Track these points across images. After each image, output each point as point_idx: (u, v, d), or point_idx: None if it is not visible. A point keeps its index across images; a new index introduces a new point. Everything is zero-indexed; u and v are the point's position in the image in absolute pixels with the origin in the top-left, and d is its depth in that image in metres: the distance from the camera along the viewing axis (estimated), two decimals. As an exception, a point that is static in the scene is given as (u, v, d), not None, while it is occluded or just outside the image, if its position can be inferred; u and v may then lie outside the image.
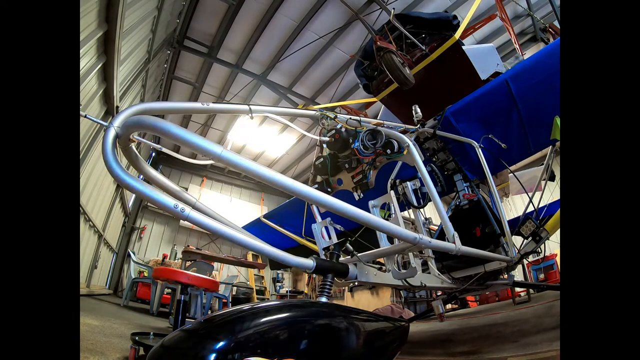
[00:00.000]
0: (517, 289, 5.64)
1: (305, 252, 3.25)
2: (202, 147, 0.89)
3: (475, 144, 2.32)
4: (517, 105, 2.43)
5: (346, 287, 6.91)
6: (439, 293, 3.20)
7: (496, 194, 2.32)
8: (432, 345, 2.99)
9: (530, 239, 2.25)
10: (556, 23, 6.17)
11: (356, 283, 1.56)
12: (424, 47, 3.71)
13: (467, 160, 2.70)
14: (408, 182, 1.75)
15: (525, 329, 2.52)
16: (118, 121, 0.84)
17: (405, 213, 2.14)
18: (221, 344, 0.84)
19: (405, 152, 1.61)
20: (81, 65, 3.15)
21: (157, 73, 6.68)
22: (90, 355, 1.73)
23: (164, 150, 1.21)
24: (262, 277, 9.76)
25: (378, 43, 3.52)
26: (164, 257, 8.09)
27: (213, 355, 0.81)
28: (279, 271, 9.71)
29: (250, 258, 8.68)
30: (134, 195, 8.12)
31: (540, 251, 2.31)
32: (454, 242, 1.60)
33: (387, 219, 1.49)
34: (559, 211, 2.28)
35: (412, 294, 6.57)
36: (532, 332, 2.37)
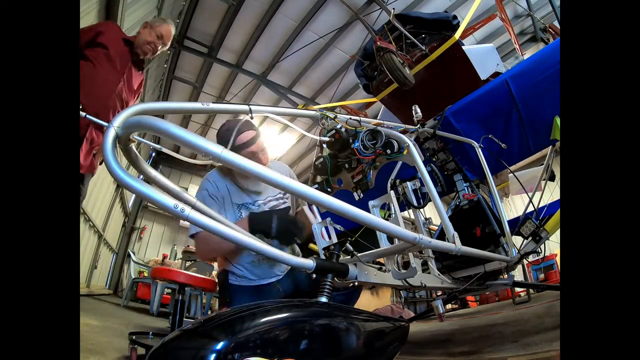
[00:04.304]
0: (517, 289, 5.64)
1: (306, 252, 3.24)
2: (202, 147, 0.88)
3: (475, 144, 2.32)
4: (517, 105, 2.43)
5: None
6: (439, 293, 3.19)
7: (496, 194, 2.32)
8: (432, 345, 2.99)
9: (530, 239, 2.25)
10: (556, 23, 6.16)
11: (356, 283, 1.55)
12: (424, 47, 3.71)
13: (467, 160, 2.69)
14: (408, 182, 1.74)
15: (525, 329, 2.52)
16: (118, 121, 0.83)
17: (405, 213, 2.14)
18: (221, 344, 0.84)
19: (405, 152, 1.60)
20: (81, 65, 3.14)
21: (157, 73, 6.67)
22: (90, 355, 1.73)
23: (164, 150, 1.21)
24: (262, 277, 9.73)
25: (378, 43, 3.51)
26: (164, 257, 8.08)
27: (213, 356, 0.81)
28: (279, 271, 9.68)
29: (250, 258, 8.65)
30: (134, 195, 8.12)
31: (540, 251, 2.30)
32: (454, 242, 1.59)
33: (387, 219, 1.49)
34: (559, 211, 2.28)
35: (412, 294, 6.57)
36: (532, 332, 2.37)
